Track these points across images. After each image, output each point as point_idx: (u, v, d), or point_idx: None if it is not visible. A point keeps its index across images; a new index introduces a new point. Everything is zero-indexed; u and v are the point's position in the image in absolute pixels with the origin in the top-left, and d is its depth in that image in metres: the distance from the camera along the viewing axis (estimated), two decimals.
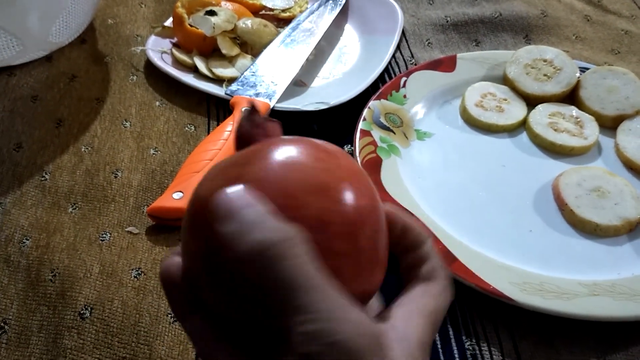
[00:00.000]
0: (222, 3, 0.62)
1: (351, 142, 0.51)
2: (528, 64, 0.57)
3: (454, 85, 0.57)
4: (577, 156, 0.52)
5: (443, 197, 0.48)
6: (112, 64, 0.61)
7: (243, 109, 0.26)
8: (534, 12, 0.67)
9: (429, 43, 0.64)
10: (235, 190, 0.22)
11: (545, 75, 0.56)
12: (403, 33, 0.65)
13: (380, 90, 0.54)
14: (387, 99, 0.54)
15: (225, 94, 0.55)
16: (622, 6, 0.70)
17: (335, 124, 0.54)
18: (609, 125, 0.54)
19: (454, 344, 0.40)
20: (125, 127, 0.54)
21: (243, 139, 0.26)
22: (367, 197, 0.24)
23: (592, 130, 0.53)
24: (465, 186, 0.49)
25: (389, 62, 0.61)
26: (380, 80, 0.59)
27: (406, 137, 0.52)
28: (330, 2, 0.66)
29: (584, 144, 0.51)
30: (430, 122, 0.55)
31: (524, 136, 0.54)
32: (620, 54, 0.64)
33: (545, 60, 0.57)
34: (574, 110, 0.54)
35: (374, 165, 0.49)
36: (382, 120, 0.52)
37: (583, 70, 0.57)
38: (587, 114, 0.54)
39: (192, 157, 0.48)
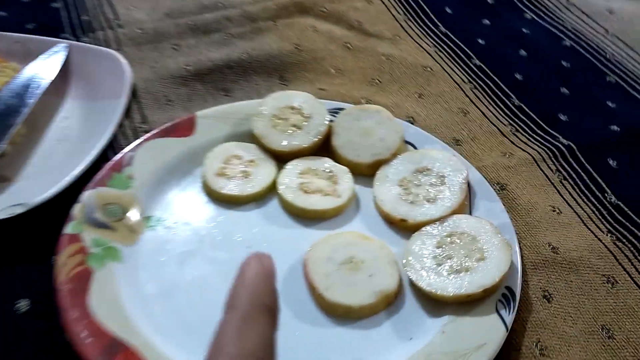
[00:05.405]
0: None
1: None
2: (275, 115, 0.50)
3: (194, 152, 0.49)
4: (332, 219, 0.46)
5: (175, 310, 0.39)
6: None
7: None
8: (287, 47, 0.61)
9: (168, 100, 0.55)
10: None
11: (294, 126, 0.50)
12: (134, 93, 0.55)
13: (95, 177, 0.45)
14: (106, 186, 0.45)
15: None
16: (383, 27, 0.67)
17: (41, 232, 0.43)
18: (367, 173, 0.48)
19: None
20: None
21: None
22: None
23: (346, 185, 0.47)
24: (205, 283, 0.41)
25: (115, 135, 0.50)
26: (105, 159, 0.48)
27: (131, 231, 0.43)
28: (40, 70, 0.54)
29: (337, 203, 0.45)
30: (165, 204, 0.46)
31: (274, 203, 0.47)
32: (381, 83, 0.59)
33: (292, 108, 0.51)
34: (326, 163, 0.48)
35: (79, 283, 0.38)
36: (98, 215, 0.43)
37: (336, 112, 0.51)
38: (340, 166, 0.48)
39: None
